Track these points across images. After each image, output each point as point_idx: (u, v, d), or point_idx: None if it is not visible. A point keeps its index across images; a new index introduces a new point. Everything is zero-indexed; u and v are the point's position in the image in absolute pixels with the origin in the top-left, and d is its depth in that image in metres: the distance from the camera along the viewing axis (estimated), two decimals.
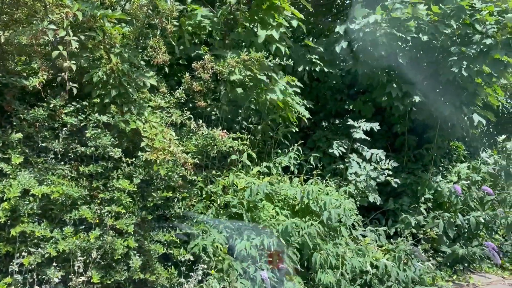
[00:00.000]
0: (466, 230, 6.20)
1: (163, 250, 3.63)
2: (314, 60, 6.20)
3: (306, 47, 6.36)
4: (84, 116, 3.64)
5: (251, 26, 5.22)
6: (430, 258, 5.68)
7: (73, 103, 3.65)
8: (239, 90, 4.80)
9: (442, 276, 5.75)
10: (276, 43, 5.03)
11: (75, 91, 3.59)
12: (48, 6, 3.60)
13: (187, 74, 4.36)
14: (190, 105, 4.62)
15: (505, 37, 5.65)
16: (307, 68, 6.22)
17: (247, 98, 4.96)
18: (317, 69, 6.24)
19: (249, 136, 4.90)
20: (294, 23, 5.31)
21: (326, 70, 6.26)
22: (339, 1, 9.21)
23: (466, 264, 6.22)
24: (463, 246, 6.03)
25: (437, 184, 6.29)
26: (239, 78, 4.59)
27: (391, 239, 5.72)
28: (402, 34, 5.65)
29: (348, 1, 8.94)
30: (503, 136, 7.18)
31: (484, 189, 6.00)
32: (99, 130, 3.59)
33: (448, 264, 6.04)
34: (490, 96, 6.74)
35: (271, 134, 5.54)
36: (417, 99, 6.15)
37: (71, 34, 3.55)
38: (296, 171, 5.45)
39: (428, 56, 6.35)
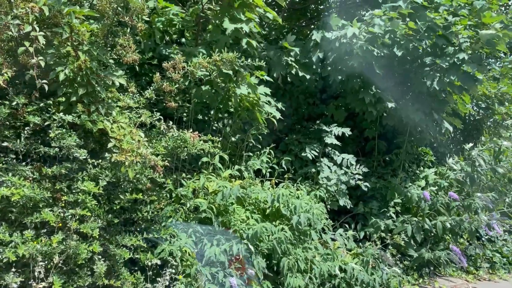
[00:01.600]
0: (432, 235, 6.33)
1: (129, 255, 3.53)
2: (290, 62, 6.17)
3: (282, 49, 6.34)
4: (48, 115, 3.50)
5: (221, 23, 5.15)
6: (398, 262, 5.78)
7: (36, 102, 3.51)
8: (205, 87, 4.69)
9: (409, 280, 5.85)
10: (247, 37, 4.97)
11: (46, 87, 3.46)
12: (12, 0, 3.45)
13: (157, 74, 4.27)
14: (161, 105, 4.53)
15: (477, 51, 5.80)
16: (282, 73, 6.21)
17: (214, 94, 4.85)
18: (293, 71, 6.21)
19: (221, 138, 4.84)
20: (270, 15, 5.29)
21: (300, 74, 6.23)
22: (313, 7, 9.28)
23: (432, 268, 6.36)
24: (430, 250, 6.16)
25: (406, 190, 6.40)
26: (204, 74, 4.51)
27: (360, 243, 5.79)
28: (377, 50, 5.72)
29: (322, 6, 9.02)
30: (470, 144, 7.41)
31: (451, 194, 6.15)
32: (64, 130, 3.46)
33: (415, 267, 6.16)
34: (459, 104, 6.92)
35: (243, 136, 5.50)
36: (389, 105, 6.24)
37: (38, 29, 3.41)
38: (267, 175, 5.43)
39: (402, 65, 6.46)
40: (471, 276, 6.55)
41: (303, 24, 9.38)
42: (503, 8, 7.61)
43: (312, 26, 8.94)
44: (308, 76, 6.28)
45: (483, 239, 7.57)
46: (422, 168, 7.30)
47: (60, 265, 3.24)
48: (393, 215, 6.25)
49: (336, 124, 6.40)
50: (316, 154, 6.24)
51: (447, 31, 5.77)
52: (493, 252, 7.30)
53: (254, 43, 5.04)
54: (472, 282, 6.30)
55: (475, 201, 6.22)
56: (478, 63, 5.70)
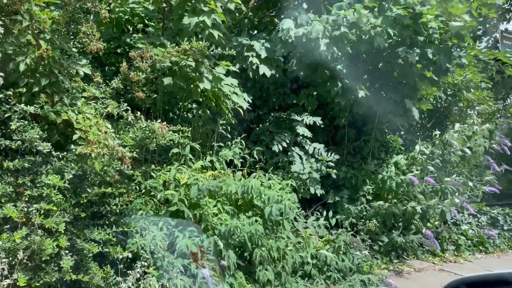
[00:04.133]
0: (400, 220, 6.49)
1: (98, 249, 3.44)
2: (251, 57, 6.09)
3: (244, 45, 6.27)
4: (8, 106, 3.36)
5: (184, 14, 5.03)
6: (368, 247, 5.89)
7: None
8: (167, 81, 4.58)
9: (378, 264, 5.99)
10: (209, 29, 4.87)
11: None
12: None
13: (124, 63, 4.15)
14: (129, 96, 4.42)
15: (445, 42, 5.90)
16: (244, 65, 6.14)
17: (177, 88, 4.75)
18: (254, 67, 6.14)
19: (190, 129, 4.77)
20: (232, 6, 5.20)
21: (261, 72, 6.13)
22: None
23: (401, 252, 6.52)
24: (400, 235, 6.31)
25: (384, 176, 6.53)
26: (167, 65, 4.42)
27: (332, 230, 5.87)
28: (344, 46, 5.76)
29: None
30: (439, 132, 7.59)
31: (427, 179, 6.32)
32: (26, 122, 3.33)
33: (385, 252, 6.30)
34: (428, 89, 7.05)
35: (213, 127, 5.44)
36: (360, 93, 6.27)
37: None
38: (239, 165, 5.41)
39: (369, 56, 6.49)
40: (438, 258, 6.75)
41: (273, 13, 9.32)
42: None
43: (282, 17, 8.91)
44: (268, 73, 6.19)
45: (449, 222, 7.81)
46: (390, 155, 7.45)
47: (25, 261, 3.14)
48: (364, 202, 6.36)
49: (307, 114, 6.41)
50: (286, 145, 6.24)
51: (416, 20, 5.80)
52: (458, 235, 7.55)
53: (216, 34, 4.93)
54: (439, 264, 6.51)
55: (445, 185, 6.40)
56: (448, 55, 5.79)
